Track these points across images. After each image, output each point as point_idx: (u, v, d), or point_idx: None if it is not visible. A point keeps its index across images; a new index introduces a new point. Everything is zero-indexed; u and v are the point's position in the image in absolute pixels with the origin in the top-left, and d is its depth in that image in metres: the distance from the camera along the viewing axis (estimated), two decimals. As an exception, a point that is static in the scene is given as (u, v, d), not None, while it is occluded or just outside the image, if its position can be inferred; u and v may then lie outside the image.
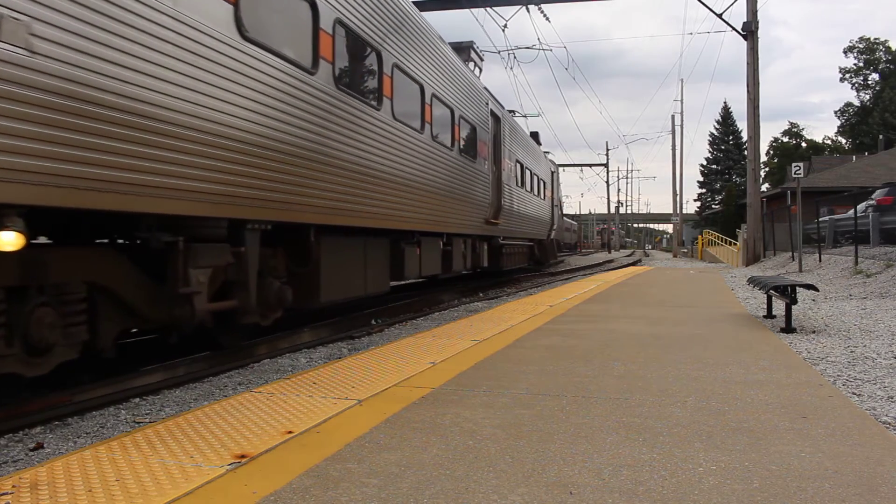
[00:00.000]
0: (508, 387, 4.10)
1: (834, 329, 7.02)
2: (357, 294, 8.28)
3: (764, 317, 8.01)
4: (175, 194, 4.68)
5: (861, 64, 68.09)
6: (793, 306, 6.83)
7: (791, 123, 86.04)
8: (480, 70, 15.55)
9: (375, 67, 8.19)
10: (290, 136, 6.09)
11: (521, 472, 2.62)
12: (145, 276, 5.20)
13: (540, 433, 3.13)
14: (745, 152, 28.67)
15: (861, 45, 68.02)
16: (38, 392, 4.79)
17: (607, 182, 77.15)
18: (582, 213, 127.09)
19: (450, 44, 12.12)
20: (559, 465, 2.69)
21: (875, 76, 67.52)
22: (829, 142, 72.98)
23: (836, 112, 76.36)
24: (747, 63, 22.20)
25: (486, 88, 14.35)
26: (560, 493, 2.41)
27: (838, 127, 71.76)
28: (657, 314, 8.19)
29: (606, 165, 73.77)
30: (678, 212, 52.62)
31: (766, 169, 67.18)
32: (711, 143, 73.15)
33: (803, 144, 72.39)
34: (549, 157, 25.59)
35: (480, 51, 15.45)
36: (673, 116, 60.97)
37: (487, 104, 14.22)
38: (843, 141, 70.56)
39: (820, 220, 19.33)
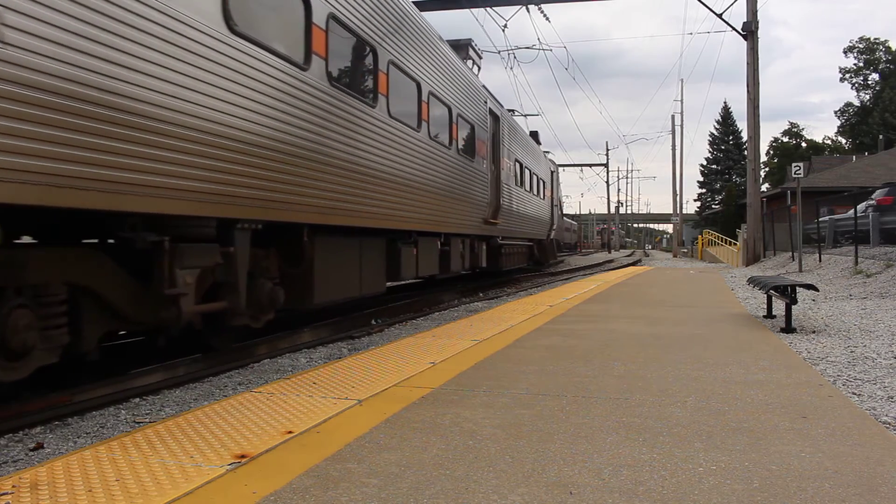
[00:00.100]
0: (508, 387, 4.10)
1: (834, 329, 7.02)
2: (352, 295, 8.19)
3: (764, 317, 8.01)
4: (160, 193, 4.56)
5: (861, 64, 68.11)
6: (793, 306, 6.83)
7: (791, 123, 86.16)
8: (479, 68, 15.43)
9: (371, 64, 8.07)
10: (282, 134, 5.98)
11: (521, 472, 2.62)
12: (130, 277, 5.08)
13: (540, 433, 3.13)
14: (745, 152, 28.67)
15: (861, 45, 68.05)
16: (38, 392, 4.79)
17: (607, 182, 77.25)
18: (582, 213, 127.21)
19: (448, 41, 12.00)
20: (559, 465, 2.69)
21: (875, 76, 67.54)
22: (829, 142, 73.01)
23: (836, 112, 76.46)
24: (747, 63, 22.21)
25: (484, 87, 14.24)
26: (560, 493, 2.41)
27: (838, 127, 71.84)
28: (657, 314, 8.18)
29: (606, 165, 73.84)
30: (678, 212, 52.61)
31: (766, 169, 67.22)
32: (711, 143, 73.15)
33: (803, 144, 72.40)
34: (549, 156, 25.58)
35: (479, 49, 15.31)
36: (673, 116, 61.04)
37: (486, 103, 14.11)
38: (843, 141, 70.58)
39: (820, 220, 19.33)
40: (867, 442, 3.01)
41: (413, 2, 11.58)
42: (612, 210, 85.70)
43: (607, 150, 72.54)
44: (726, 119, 72.61)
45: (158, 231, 4.98)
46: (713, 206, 66.84)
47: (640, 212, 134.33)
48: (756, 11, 22.17)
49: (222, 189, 5.20)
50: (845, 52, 69.83)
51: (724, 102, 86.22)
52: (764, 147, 74.58)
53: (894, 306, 8.80)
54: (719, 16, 28.00)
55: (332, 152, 6.92)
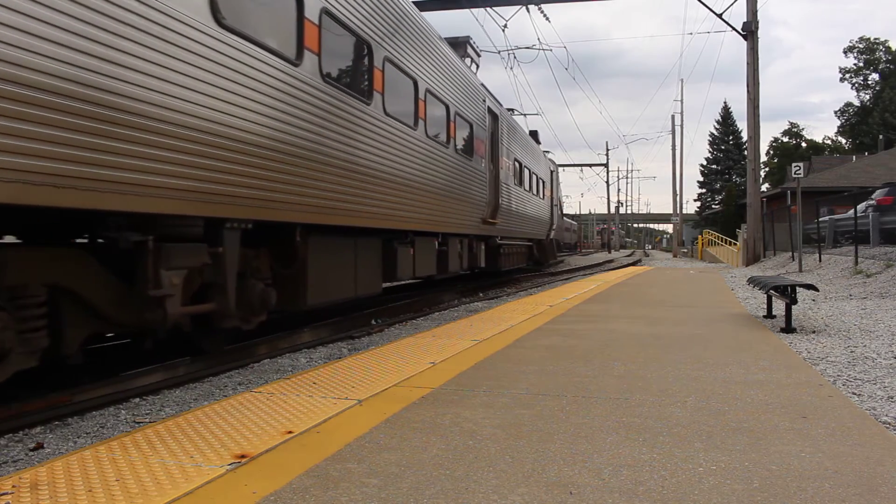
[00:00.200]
0: (508, 387, 4.10)
1: (834, 329, 7.02)
2: (347, 296, 8.05)
3: (764, 317, 8.01)
4: (143, 191, 4.40)
5: (861, 64, 68.13)
6: (793, 306, 6.83)
7: (791, 123, 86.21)
8: (477, 66, 15.26)
9: (366, 61, 7.91)
10: (272, 131, 5.84)
11: (521, 472, 2.62)
12: (115, 278, 4.94)
13: (540, 433, 3.13)
14: (745, 152, 28.68)
15: (861, 45, 68.07)
16: (38, 392, 4.79)
17: (607, 182, 77.25)
18: (582, 213, 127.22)
19: (446, 39, 11.86)
20: (559, 465, 2.69)
21: (875, 76, 67.55)
22: (829, 142, 73.02)
23: (836, 112, 76.48)
24: (747, 63, 22.21)
25: (483, 85, 14.12)
26: (560, 493, 2.41)
27: (838, 127, 71.85)
28: (657, 314, 8.18)
29: (606, 165, 73.84)
30: (678, 212, 52.62)
31: (766, 169, 67.24)
32: (711, 143, 73.18)
33: (803, 144, 72.41)
34: (549, 156, 25.56)
35: (477, 47, 15.13)
36: (673, 116, 61.08)
37: (485, 101, 13.99)
38: (843, 141, 70.59)
39: (820, 220, 19.33)
40: (867, 442, 3.01)
41: (413, 1, 11.55)
42: (612, 210, 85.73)
43: (607, 150, 72.62)
44: (726, 119, 72.64)
45: (143, 231, 4.84)
46: (713, 206, 66.86)
47: (640, 212, 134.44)
48: (756, 11, 22.18)
49: (210, 187, 5.06)
50: (845, 52, 69.92)
51: (724, 102, 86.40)
52: (764, 147, 74.66)
53: (894, 306, 8.80)
54: (719, 16, 28.03)
55: (326, 150, 6.80)
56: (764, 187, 42.89)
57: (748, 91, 22.35)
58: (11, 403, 4.47)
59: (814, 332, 6.81)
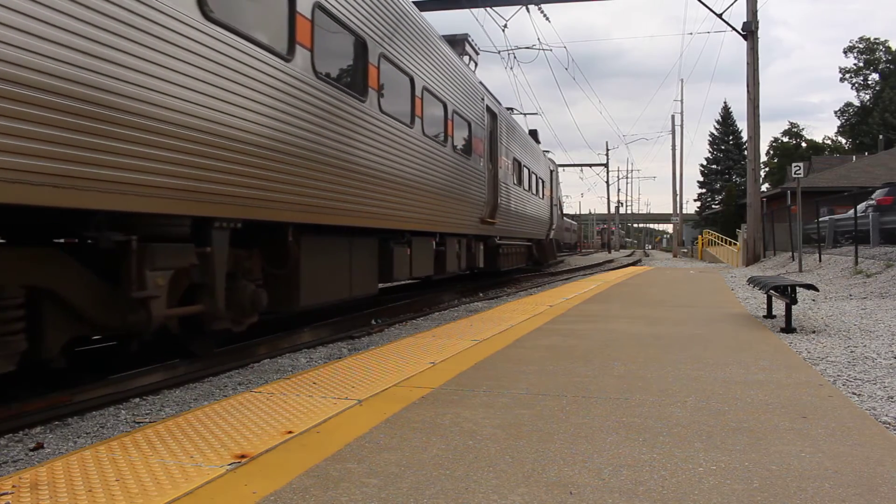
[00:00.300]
0: (508, 387, 4.10)
1: (834, 329, 7.02)
2: (341, 297, 7.92)
3: (764, 317, 8.01)
4: (125, 189, 4.25)
5: (861, 64, 68.14)
6: (793, 306, 6.83)
7: (791, 123, 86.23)
8: (476, 64, 15.10)
9: (360, 57, 7.74)
10: (262, 128, 5.68)
11: (521, 472, 2.62)
12: (98, 279, 4.79)
13: (540, 433, 3.13)
14: (745, 152, 28.68)
15: (861, 45, 68.08)
16: (38, 392, 4.79)
17: (607, 182, 77.28)
18: (582, 213, 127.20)
19: (444, 36, 11.73)
20: (559, 465, 2.69)
21: (875, 76, 67.56)
22: (829, 142, 73.03)
23: (836, 112, 76.51)
24: (747, 63, 22.22)
25: (481, 83, 14.00)
26: (560, 493, 2.41)
27: (838, 127, 71.86)
28: (657, 314, 8.19)
29: (606, 165, 73.85)
30: (678, 212, 52.62)
31: (766, 169, 67.25)
32: (711, 143, 73.19)
33: (803, 144, 72.42)
34: (549, 156, 25.54)
35: (476, 44, 14.95)
36: (673, 116, 61.09)
37: (483, 100, 13.85)
38: (843, 141, 70.59)
39: (820, 220, 19.34)
40: (867, 442, 3.01)
41: (413, 1, 11.51)
42: (612, 210, 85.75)
43: (607, 150, 72.62)
44: (726, 119, 72.65)
45: (126, 230, 4.68)
46: (713, 206, 66.87)
47: (640, 212, 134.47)
48: (756, 11, 22.19)
49: (196, 186, 4.91)
50: (845, 52, 69.93)
51: (724, 102, 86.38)
52: (764, 147, 74.67)
53: (894, 306, 8.80)
54: (719, 16, 28.04)
55: (319, 148, 6.65)
56: (764, 187, 42.90)
57: (748, 91, 22.36)
58: (11, 403, 4.47)
59: (814, 332, 6.81)
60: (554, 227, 25.02)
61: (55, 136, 3.76)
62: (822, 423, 3.31)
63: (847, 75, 68.92)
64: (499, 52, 27.78)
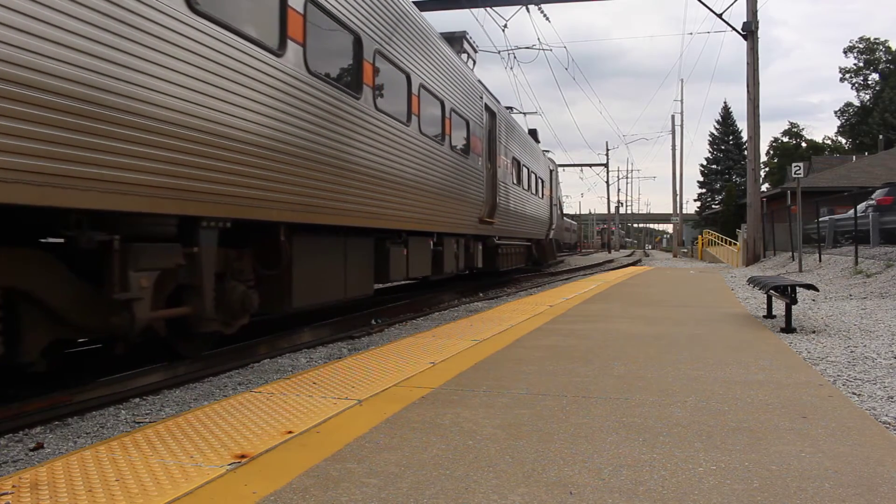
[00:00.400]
0: (508, 387, 4.10)
1: (834, 329, 7.02)
2: (336, 298, 7.78)
3: (764, 317, 8.01)
4: (106, 187, 4.11)
5: (861, 64, 68.15)
6: (793, 306, 6.83)
7: (791, 123, 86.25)
8: (474, 62, 14.95)
9: (355, 53, 7.61)
10: (251, 124, 5.53)
11: (521, 472, 2.62)
12: (79, 280, 4.66)
13: (540, 433, 3.13)
14: (745, 152, 28.68)
15: (861, 45, 68.10)
16: (38, 392, 4.79)
17: (607, 182, 77.28)
18: (582, 213, 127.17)
19: (442, 34, 11.59)
20: (559, 465, 2.69)
21: (875, 76, 67.57)
22: (829, 142, 73.05)
23: (836, 112, 76.51)
24: (747, 63, 22.22)
25: (480, 81, 13.88)
26: (560, 493, 2.41)
27: (838, 127, 71.87)
28: (657, 314, 8.19)
29: (606, 165, 73.84)
30: (678, 212, 52.65)
31: (766, 169, 67.27)
32: (711, 143, 73.22)
33: (803, 144, 72.45)
34: (549, 155, 25.52)
35: (474, 42, 14.77)
36: (673, 116, 61.11)
37: (482, 98, 13.72)
38: (843, 141, 70.61)
39: (820, 220, 19.34)
40: (867, 442, 3.01)
41: (413, 1, 11.47)
42: (612, 210, 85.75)
43: (607, 150, 72.60)
44: (726, 119, 72.68)
45: (108, 230, 4.51)
46: (713, 206, 66.89)
47: (640, 212, 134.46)
48: (756, 11, 22.19)
49: (182, 184, 4.76)
50: (845, 52, 69.94)
51: (724, 102, 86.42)
52: (764, 147, 74.64)
53: (894, 306, 8.80)
54: (719, 16, 28.03)
55: (311, 146, 6.50)
56: (764, 187, 42.89)
57: (748, 91, 22.36)
58: (11, 403, 4.47)
59: (814, 332, 6.81)
60: (554, 226, 24.98)
61: (27, 131, 3.62)
62: (822, 423, 3.31)
63: (847, 75, 68.97)
64: (499, 52, 27.78)
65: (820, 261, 17.38)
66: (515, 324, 7.17)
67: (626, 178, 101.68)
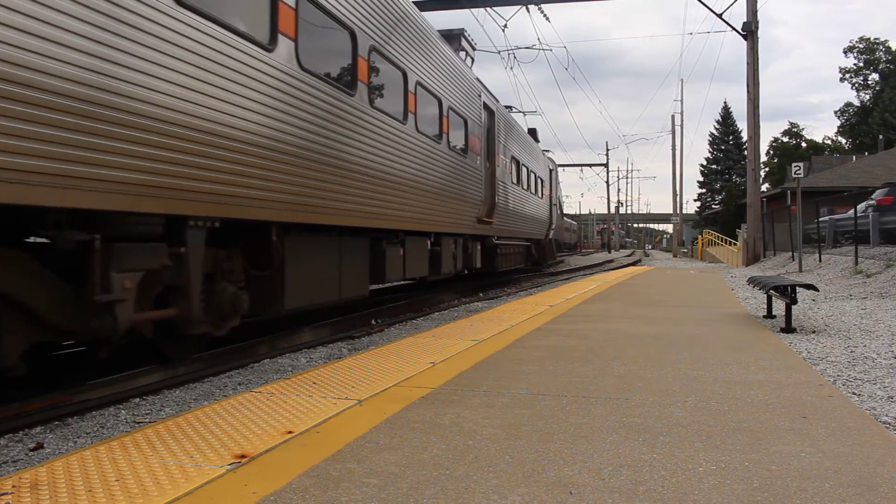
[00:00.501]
0: (508, 387, 4.10)
1: (834, 329, 7.02)
2: (330, 299, 7.68)
3: (764, 317, 8.01)
4: (86, 185, 3.98)
5: (861, 64, 68.15)
6: (793, 306, 6.83)
7: (791, 123, 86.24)
8: (473, 60, 14.78)
9: (349, 49, 7.46)
10: (241, 121, 5.39)
11: (521, 472, 2.62)
12: (61, 282, 4.52)
13: (540, 433, 3.13)
14: (745, 152, 28.68)
15: (861, 45, 68.09)
16: (38, 392, 4.79)
17: (607, 182, 77.32)
18: (582, 213, 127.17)
19: (439, 31, 11.48)
20: (559, 465, 2.69)
21: (875, 76, 67.56)
22: (829, 142, 73.06)
23: (836, 112, 76.50)
24: (747, 63, 22.22)
25: (478, 80, 13.77)
26: (560, 493, 2.41)
27: (838, 127, 71.87)
28: (657, 314, 8.19)
29: (606, 165, 73.87)
30: (678, 212, 52.66)
31: (766, 169, 67.26)
32: (711, 143, 73.25)
33: (803, 144, 72.46)
34: (549, 155, 25.50)
35: (472, 40, 14.61)
36: (673, 116, 61.08)
37: (480, 96, 13.59)
38: (843, 141, 70.62)
39: (820, 220, 19.34)
40: (867, 442, 3.01)
41: (413, 1, 11.43)
42: (612, 210, 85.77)
43: (607, 150, 72.64)
44: (726, 119, 72.71)
45: (89, 229, 4.36)
46: (713, 206, 66.91)
47: (640, 212, 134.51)
48: (756, 11, 22.19)
49: (167, 182, 4.62)
50: (845, 52, 69.93)
51: (724, 102, 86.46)
52: (764, 147, 74.62)
53: (894, 306, 8.80)
54: (719, 16, 28.03)
55: (304, 144, 6.36)
56: (764, 187, 42.89)
57: (748, 91, 22.36)
58: (11, 403, 4.47)
59: (814, 332, 6.81)
60: (553, 226, 24.94)
61: (7, 127, 3.50)
62: (822, 423, 3.31)
63: (847, 75, 68.97)
64: (499, 52, 27.82)
65: (820, 261, 17.38)
66: (515, 324, 7.17)
67: (626, 178, 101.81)
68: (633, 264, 31.39)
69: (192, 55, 4.84)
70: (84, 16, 3.96)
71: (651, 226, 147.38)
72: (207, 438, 3.01)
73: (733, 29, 22.79)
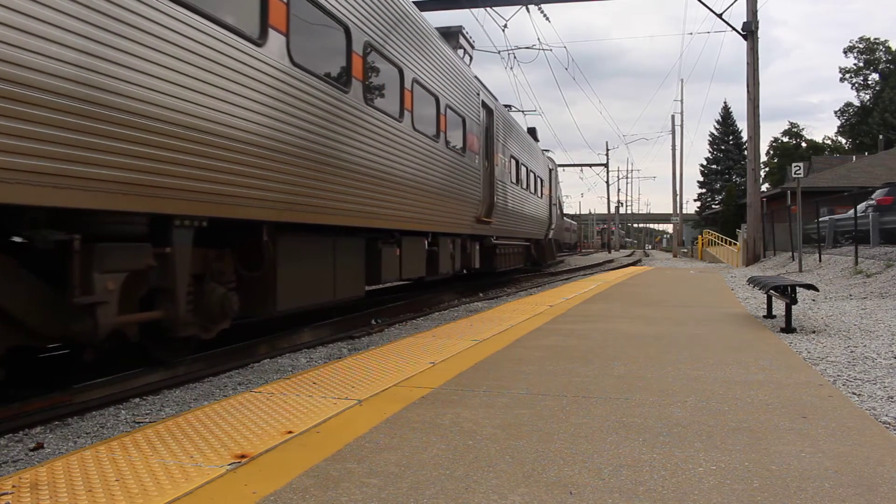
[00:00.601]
0: (508, 387, 4.10)
1: (834, 329, 7.02)
2: (324, 300, 7.54)
3: (764, 317, 8.01)
4: (64, 182, 3.86)
5: (861, 64, 68.18)
6: (793, 306, 6.83)
7: (791, 123, 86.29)
8: (471, 58, 14.64)
9: (343, 45, 7.32)
10: (230, 118, 5.28)
11: (521, 472, 2.62)
12: (40, 283, 4.38)
13: (540, 433, 3.13)
14: (745, 152, 28.69)
15: (861, 45, 68.11)
16: (38, 392, 4.79)
17: (607, 182, 77.33)
18: (582, 213, 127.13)
19: (437, 29, 11.36)
20: (559, 465, 2.69)
21: (875, 76, 67.58)
22: (829, 142, 73.08)
23: (836, 112, 76.56)
24: (747, 63, 22.22)
25: (477, 78, 13.67)
26: (560, 492, 2.41)
27: (838, 127, 71.91)
28: (657, 314, 8.19)
29: (606, 165, 73.88)
30: (678, 212, 52.66)
31: (766, 169, 67.28)
32: (711, 143, 73.26)
33: (803, 144, 72.48)
34: (549, 154, 25.48)
35: (471, 37, 14.45)
36: (673, 116, 61.12)
37: (478, 94, 13.47)
38: (843, 141, 70.63)
39: (820, 220, 19.34)
40: (867, 442, 3.01)
41: (413, 1, 11.40)
42: (612, 210, 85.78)
43: (607, 150, 72.64)
44: (726, 119, 72.72)
45: (68, 228, 4.22)
46: (713, 206, 66.91)
47: (640, 212, 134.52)
48: (756, 11, 22.19)
49: (150, 179, 4.49)
50: (845, 52, 69.98)
51: (724, 102, 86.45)
52: (764, 147, 74.65)
53: (894, 306, 8.80)
54: (719, 16, 28.06)
55: (296, 141, 6.23)
56: (764, 187, 42.90)
57: (748, 91, 22.36)
58: (11, 403, 4.47)
59: (814, 332, 6.81)
60: (553, 226, 24.91)
61: None
62: (822, 423, 3.31)
63: (847, 75, 69.00)
64: (499, 52, 27.82)
65: (820, 261, 17.38)
66: (515, 324, 7.17)
67: (626, 178, 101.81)
68: (633, 264, 31.39)
69: (177, 48, 4.72)
70: (56, 4, 3.81)
71: (651, 226, 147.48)
72: (207, 438, 3.01)
73: (733, 29, 22.80)
